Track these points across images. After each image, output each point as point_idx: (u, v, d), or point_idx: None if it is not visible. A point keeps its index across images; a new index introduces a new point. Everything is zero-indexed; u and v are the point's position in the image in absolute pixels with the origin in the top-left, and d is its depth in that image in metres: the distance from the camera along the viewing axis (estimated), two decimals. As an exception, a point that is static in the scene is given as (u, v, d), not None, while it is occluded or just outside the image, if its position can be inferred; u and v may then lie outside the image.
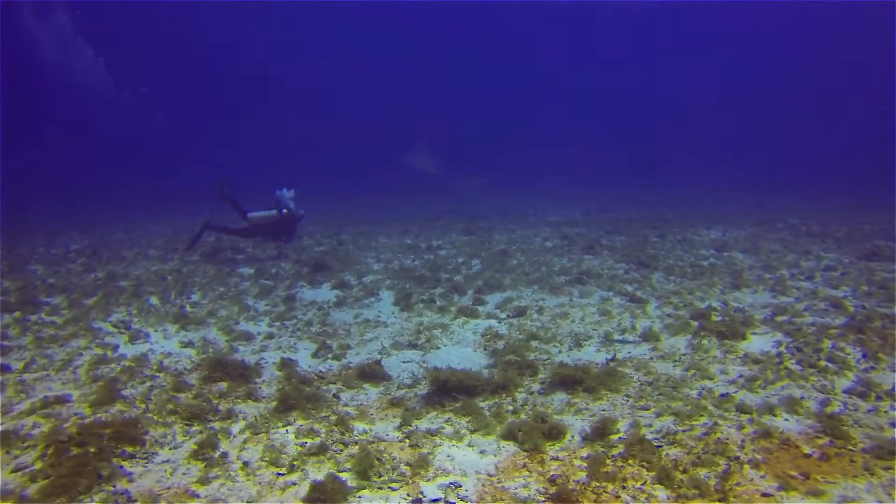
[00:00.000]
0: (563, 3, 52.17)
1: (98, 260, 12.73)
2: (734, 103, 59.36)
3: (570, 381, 5.41)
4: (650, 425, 4.67)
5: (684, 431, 4.52)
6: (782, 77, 57.57)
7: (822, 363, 5.72)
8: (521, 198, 28.42)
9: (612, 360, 6.24)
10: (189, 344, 7.35)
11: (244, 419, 5.14)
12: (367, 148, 50.90)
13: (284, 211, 13.18)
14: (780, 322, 7.21)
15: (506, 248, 13.46)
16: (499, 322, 8.07)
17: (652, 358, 6.27)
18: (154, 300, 9.49)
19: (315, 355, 7.05)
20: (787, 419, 4.67)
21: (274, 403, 5.40)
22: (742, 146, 50.51)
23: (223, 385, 5.94)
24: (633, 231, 15.82)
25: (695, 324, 7.28)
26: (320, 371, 6.43)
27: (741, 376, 5.56)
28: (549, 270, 11.14)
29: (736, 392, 5.23)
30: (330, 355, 6.95)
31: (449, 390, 5.44)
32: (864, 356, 5.90)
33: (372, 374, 6.13)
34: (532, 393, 5.46)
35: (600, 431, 4.56)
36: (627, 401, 5.15)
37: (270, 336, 7.75)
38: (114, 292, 9.68)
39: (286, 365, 6.56)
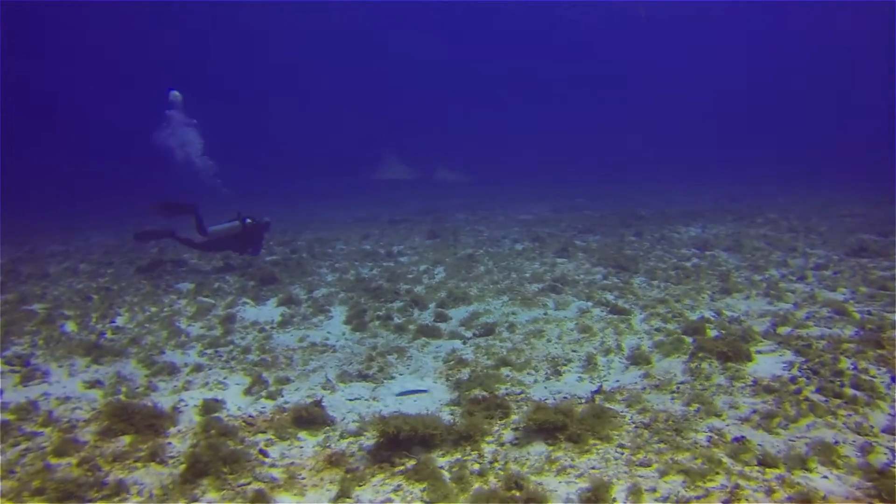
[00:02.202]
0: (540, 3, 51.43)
1: (16, 279, 11.35)
2: (704, 99, 59.54)
3: (550, 427, 4.37)
4: (654, 489, 3.67)
5: (698, 499, 3.52)
6: (753, 75, 58.01)
7: (848, 391, 4.77)
8: (490, 195, 27.47)
9: (599, 391, 5.24)
10: (96, 384, 6.15)
11: (138, 494, 4.01)
12: (345, 147, 50.19)
13: (248, 220, 12.04)
14: (783, 335, 6.28)
15: (472, 253, 12.42)
16: (464, 344, 7.03)
17: (645, 388, 5.28)
18: (70, 326, 8.24)
19: (247, 392, 5.94)
20: (825, 476, 3.70)
21: (182, 468, 4.28)
22: (710, 141, 50.30)
23: (125, 441, 4.79)
24: (607, 230, 14.92)
25: (689, 340, 6.33)
26: (249, 415, 5.31)
27: (755, 412, 4.58)
28: (519, 277, 10.14)
29: (753, 435, 4.25)
30: (264, 392, 5.84)
31: (401, 443, 4.38)
32: (893, 380, 4.99)
33: (310, 418, 5.03)
34: (503, 444, 4.41)
35: (591, 501, 3.54)
36: (622, 454, 4.13)
37: (198, 368, 6.59)
38: (20, 319, 8.38)
39: (209, 408, 5.43)
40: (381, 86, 62.65)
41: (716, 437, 4.25)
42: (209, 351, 7.22)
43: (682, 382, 5.28)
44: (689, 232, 14.13)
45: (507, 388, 5.53)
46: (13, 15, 35.66)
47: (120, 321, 8.55)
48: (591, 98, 62.32)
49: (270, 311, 8.98)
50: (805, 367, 5.32)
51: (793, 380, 5.06)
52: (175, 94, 13.17)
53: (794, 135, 47.97)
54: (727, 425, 4.42)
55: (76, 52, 45.32)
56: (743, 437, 4.19)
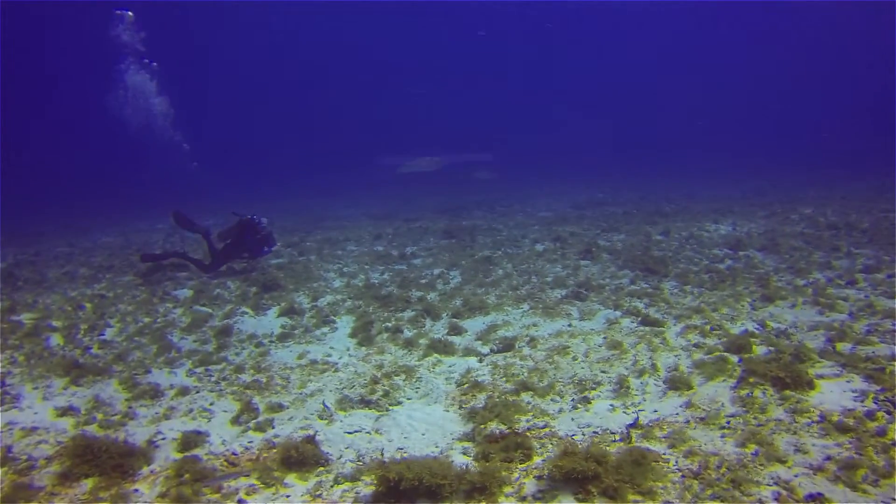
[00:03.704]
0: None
1: (12, 284, 10.82)
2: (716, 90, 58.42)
3: (580, 476, 3.65)
4: (714, 569, 2.93)
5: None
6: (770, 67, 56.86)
7: (943, 430, 3.99)
8: (509, 190, 26.66)
9: (635, 425, 4.50)
10: (69, 410, 5.53)
11: (88, 561, 3.36)
12: (371, 141, 50.01)
13: (245, 217, 11.24)
14: (844, 354, 5.48)
15: (490, 255, 11.66)
16: (479, 362, 6.32)
17: (689, 421, 4.52)
18: (56, 339, 7.66)
19: (235, 421, 5.29)
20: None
21: (145, 524, 3.63)
22: (727, 135, 49.11)
23: (87, 485, 4.16)
24: (632, 228, 14.09)
25: (734, 360, 5.55)
26: (233, 453, 4.66)
27: (828, 458, 3.80)
28: (540, 282, 9.40)
29: (833, 493, 3.48)
30: (253, 423, 5.17)
31: (403, 494, 3.69)
32: None
33: (301, 458, 4.35)
34: (524, 499, 3.69)
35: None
36: (670, 515, 3.40)
37: (184, 391, 5.96)
38: (5, 331, 7.81)
39: (189, 443, 4.79)
40: (404, 81, 62.46)
41: (784, 492, 3.49)
42: (199, 370, 6.60)
43: (732, 415, 4.51)
44: (719, 230, 13.26)
45: (528, 420, 4.81)
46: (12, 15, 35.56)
47: (109, 333, 7.96)
48: (608, 91, 61.39)
49: (270, 321, 8.34)
50: (882, 397, 4.52)
51: (869, 414, 4.26)
52: (127, 15, 11.26)
53: (810, 127, 46.74)
54: (796, 476, 3.65)
55: (71, 50, 45.08)
56: (820, 494, 3.42)
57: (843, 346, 5.77)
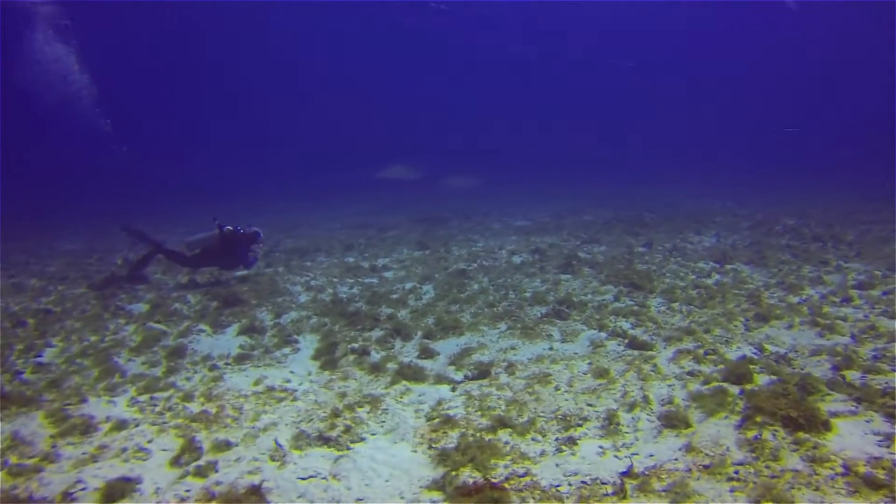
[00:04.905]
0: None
1: (-51, 298, 9.98)
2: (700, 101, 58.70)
3: (570, 547, 3.05)
4: None
5: None
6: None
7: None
8: (486, 197, 26.16)
9: (629, 473, 3.92)
10: (-21, 452, 4.81)
11: None
12: (351, 145, 49.66)
13: (227, 229, 10.59)
14: (856, 386, 4.96)
15: (465, 268, 11.07)
16: (452, 391, 5.70)
17: (690, 469, 3.95)
18: (-16, 362, 6.89)
19: (174, 462, 4.61)
20: None
21: None
22: (704, 142, 49.27)
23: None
24: (613, 239, 13.60)
25: (734, 391, 5.01)
26: (163, 506, 3.99)
27: (857, 521, 3.26)
28: (518, 298, 8.82)
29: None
30: (193, 467, 4.50)
31: (357, 571, 3.06)
32: None
33: (242, 514, 3.70)
34: (503, 577, 3.08)
35: None
36: None
37: (121, 425, 5.25)
38: (-77, 355, 7.04)
39: (115, 493, 4.12)
40: (386, 85, 62.16)
41: (812, 569, 2.93)
42: (143, 398, 5.90)
43: (740, 462, 3.94)
44: (703, 242, 12.83)
45: (506, 467, 4.20)
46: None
47: (48, 355, 7.23)
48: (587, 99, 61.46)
49: (228, 341, 7.67)
50: (906, 440, 4.00)
51: (897, 465, 3.73)
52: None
53: (793, 136, 47.00)
54: (824, 546, 3.10)
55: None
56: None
57: (851, 375, 5.26)
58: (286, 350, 7.22)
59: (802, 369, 5.54)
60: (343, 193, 31.00)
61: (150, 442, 4.97)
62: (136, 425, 5.30)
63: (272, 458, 4.62)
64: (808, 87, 54.15)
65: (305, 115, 62.97)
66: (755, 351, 6.14)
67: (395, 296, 9.33)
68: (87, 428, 5.21)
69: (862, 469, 3.68)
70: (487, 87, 62.56)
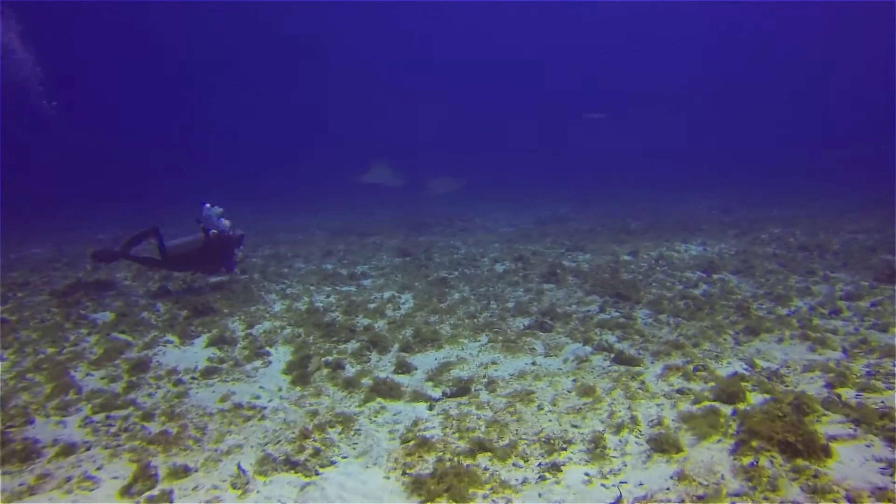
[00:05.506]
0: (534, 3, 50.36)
1: None
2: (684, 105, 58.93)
3: None
4: None
5: None
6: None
7: None
8: (469, 202, 25.89)
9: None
10: None
11: None
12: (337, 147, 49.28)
13: (213, 232, 10.20)
14: (852, 406, 4.70)
15: (446, 276, 10.75)
16: (430, 409, 5.38)
17: (683, 500, 3.66)
18: (-71, 378, 6.46)
19: (125, 492, 4.24)
20: None
21: None
22: (686, 149, 49.44)
23: None
24: (598, 247, 13.35)
25: (727, 412, 4.75)
26: (108, 544, 3.62)
27: (866, 563, 2.99)
28: (500, 308, 8.53)
29: None
30: (145, 497, 4.14)
31: None
32: None
33: (193, 554, 3.35)
34: None
35: None
36: None
37: (69, 450, 4.87)
38: None
39: (55, 529, 3.74)
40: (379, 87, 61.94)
41: None
42: (97, 417, 5.52)
43: (736, 493, 3.66)
44: (689, 250, 12.62)
45: (485, 497, 3.88)
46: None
47: (-1, 369, 6.79)
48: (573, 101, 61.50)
49: (196, 353, 7.29)
50: (911, 469, 3.73)
51: (903, 496, 3.47)
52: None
53: (773, 140, 47.37)
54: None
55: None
56: None
57: (846, 394, 5.01)
58: (257, 363, 6.86)
59: (796, 387, 5.29)
60: (325, 198, 30.56)
61: (99, 469, 4.60)
62: (87, 449, 4.92)
63: (233, 486, 4.27)
64: (798, 90, 54.68)
65: (305, 115, 62.58)
66: (746, 367, 5.89)
67: (372, 305, 8.99)
68: (28, 454, 4.81)
69: (866, 502, 3.40)
70: (486, 84, 62.44)
